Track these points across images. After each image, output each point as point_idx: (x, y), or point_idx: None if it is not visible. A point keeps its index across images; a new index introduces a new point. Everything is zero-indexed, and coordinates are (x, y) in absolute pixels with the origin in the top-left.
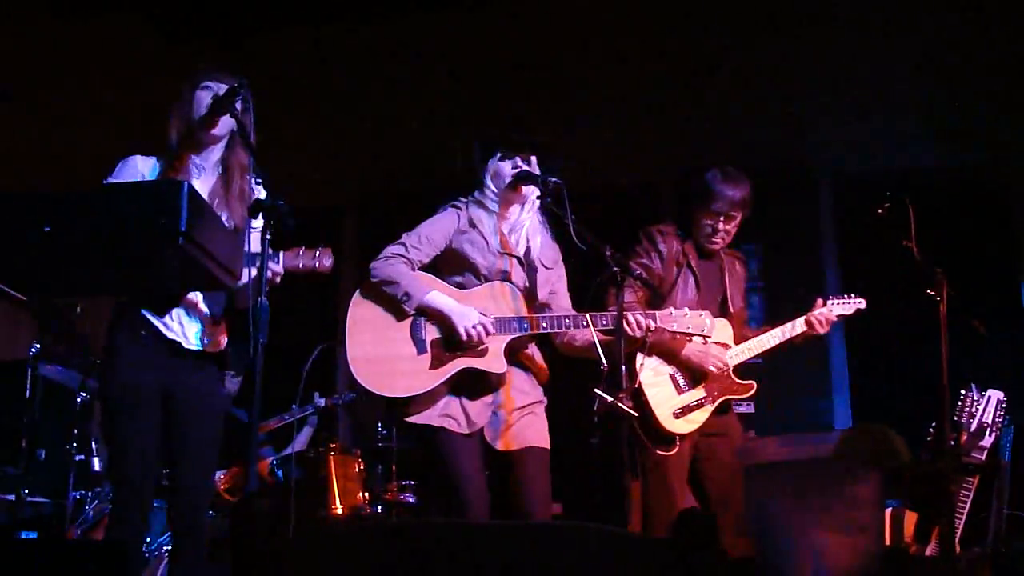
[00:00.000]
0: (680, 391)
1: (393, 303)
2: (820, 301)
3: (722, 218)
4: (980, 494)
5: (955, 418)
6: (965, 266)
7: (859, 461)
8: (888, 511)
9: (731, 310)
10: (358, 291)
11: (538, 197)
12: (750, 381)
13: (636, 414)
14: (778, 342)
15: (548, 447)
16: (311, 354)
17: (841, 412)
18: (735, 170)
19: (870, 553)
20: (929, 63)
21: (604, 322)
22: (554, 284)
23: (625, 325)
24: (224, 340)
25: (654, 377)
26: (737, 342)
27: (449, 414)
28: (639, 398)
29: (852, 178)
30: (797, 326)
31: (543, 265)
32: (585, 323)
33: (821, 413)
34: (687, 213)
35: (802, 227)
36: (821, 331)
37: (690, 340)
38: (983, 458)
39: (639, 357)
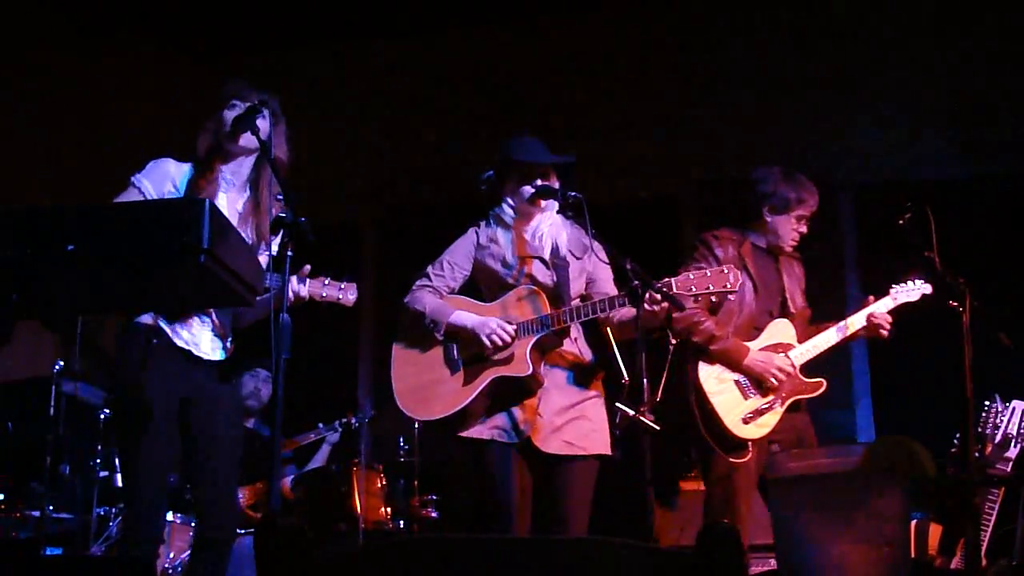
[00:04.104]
0: (747, 396)
1: (426, 333)
2: (871, 298)
3: (806, 220)
4: (1006, 506)
5: (979, 429)
6: (989, 277)
7: (884, 474)
8: (913, 523)
9: (792, 310)
10: (395, 334)
11: (558, 212)
12: (819, 379)
13: (658, 428)
14: (842, 337)
15: (599, 451)
16: (334, 371)
17: (864, 424)
18: (797, 172)
19: (895, 566)
20: (952, 72)
21: (621, 302)
22: (591, 272)
23: (646, 303)
24: (231, 346)
25: (718, 385)
26: (801, 341)
27: (497, 425)
28: (705, 406)
29: (874, 188)
30: (858, 321)
31: (574, 257)
32: (603, 308)
33: (843, 425)
34: (754, 220)
35: (823, 237)
36: (884, 334)
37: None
38: (1008, 470)
39: (700, 366)
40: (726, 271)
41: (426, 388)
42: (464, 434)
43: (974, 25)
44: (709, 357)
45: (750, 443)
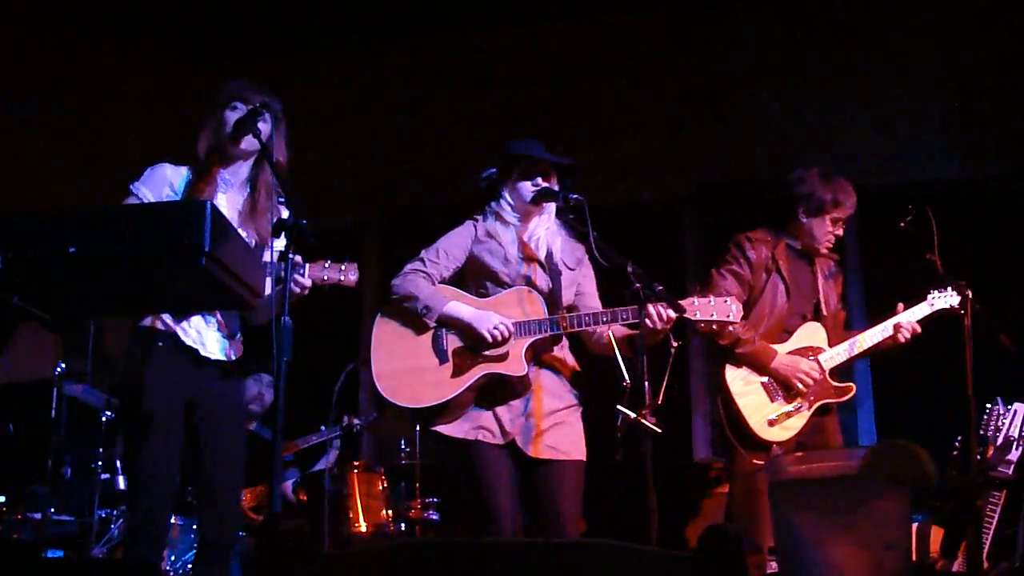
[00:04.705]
0: (773, 398)
1: (415, 318)
2: (901, 306)
3: (841, 222)
4: (1007, 509)
5: (981, 432)
6: (990, 278)
7: (885, 477)
8: (915, 526)
9: (824, 313)
10: (380, 311)
11: (559, 214)
12: (848, 383)
13: (660, 431)
14: (873, 343)
15: (581, 458)
16: (336, 375)
17: (865, 426)
18: (833, 173)
19: (897, 570)
20: (953, 74)
21: (625, 316)
22: (581, 284)
23: (646, 318)
24: (241, 347)
25: (744, 386)
26: (833, 344)
27: (483, 425)
28: (731, 408)
29: (875, 191)
30: (888, 328)
31: (566, 267)
32: (606, 319)
33: (845, 428)
34: (790, 221)
35: None
36: (902, 340)
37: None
38: (1010, 472)
39: (727, 368)
40: (728, 302)
41: (411, 374)
42: (446, 431)
43: (975, 25)
44: (736, 359)
45: (774, 445)
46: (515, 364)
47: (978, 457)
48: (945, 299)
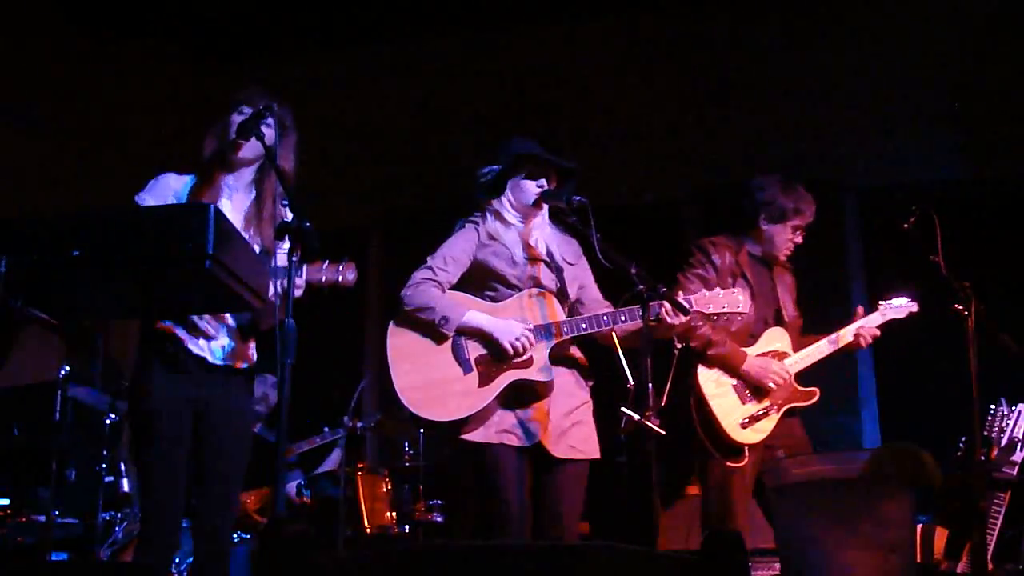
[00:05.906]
0: (745, 400)
1: (431, 328)
2: (860, 310)
3: (801, 230)
4: (1012, 510)
5: (985, 433)
6: (994, 279)
7: (889, 480)
8: (919, 528)
9: (785, 319)
10: (393, 322)
11: (564, 215)
12: (813, 388)
13: (663, 432)
14: (833, 349)
15: (597, 456)
16: (339, 376)
17: (869, 428)
18: (796, 182)
19: (901, 572)
20: (954, 74)
21: (627, 317)
22: (581, 278)
23: (664, 314)
24: (253, 355)
25: (717, 388)
26: (795, 350)
27: (506, 429)
28: (703, 409)
29: (878, 192)
30: (847, 335)
31: (567, 263)
32: (624, 318)
33: (849, 430)
34: (750, 228)
35: (828, 242)
36: (863, 344)
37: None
38: (1014, 473)
39: (699, 369)
40: (735, 293)
41: (436, 386)
42: (469, 437)
43: (976, 26)
44: (708, 361)
45: (746, 448)
46: (542, 371)
47: (982, 458)
48: (896, 310)
